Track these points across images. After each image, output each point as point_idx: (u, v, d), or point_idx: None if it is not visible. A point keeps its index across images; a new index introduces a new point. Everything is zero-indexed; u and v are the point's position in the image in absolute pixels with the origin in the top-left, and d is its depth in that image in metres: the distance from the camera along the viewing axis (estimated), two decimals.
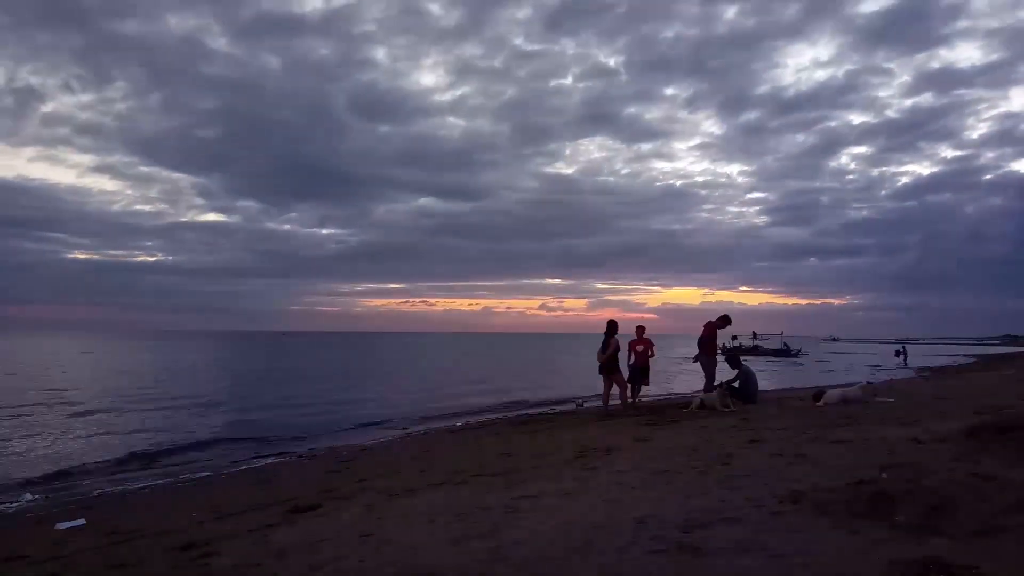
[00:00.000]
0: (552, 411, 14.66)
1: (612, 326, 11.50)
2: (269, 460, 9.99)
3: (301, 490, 6.76)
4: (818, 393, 11.05)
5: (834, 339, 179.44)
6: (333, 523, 4.76)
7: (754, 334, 58.72)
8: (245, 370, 33.15)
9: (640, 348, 11.91)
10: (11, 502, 7.55)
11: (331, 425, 13.49)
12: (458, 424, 13.38)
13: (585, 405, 15.60)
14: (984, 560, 2.68)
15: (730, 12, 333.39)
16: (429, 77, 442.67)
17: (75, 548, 5.07)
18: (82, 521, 6.23)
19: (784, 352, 53.68)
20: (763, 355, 50.51)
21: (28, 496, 7.81)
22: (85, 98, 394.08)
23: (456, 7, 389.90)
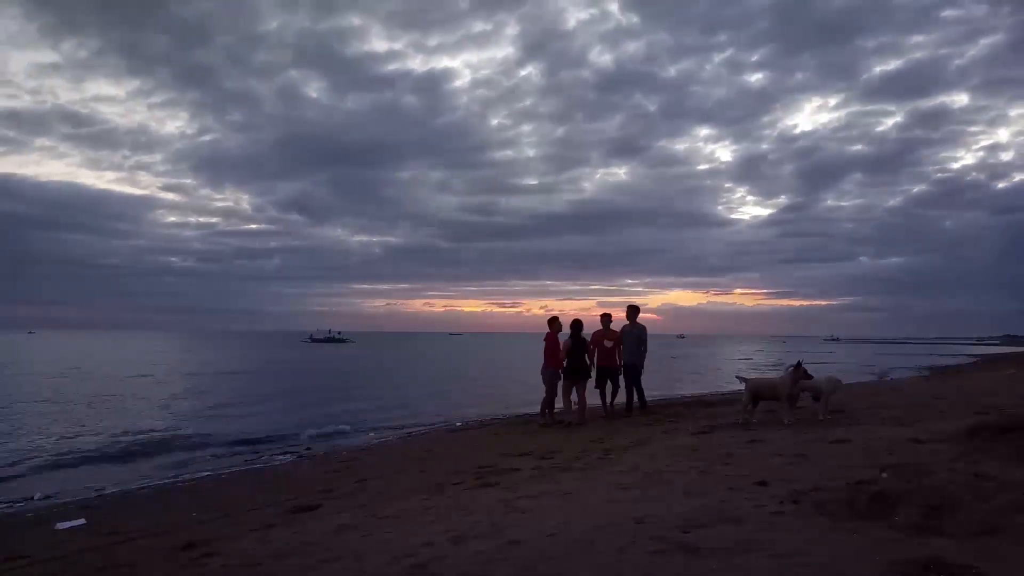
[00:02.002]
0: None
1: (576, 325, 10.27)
2: (269, 460, 9.98)
3: (301, 490, 6.76)
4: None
5: (835, 339, 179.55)
6: (333, 523, 4.76)
7: (329, 330, 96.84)
8: (250, 371, 33.13)
9: (609, 344, 10.42)
10: (11, 502, 7.55)
11: (332, 425, 13.47)
12: (458, 424, 13.38)
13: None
14: (984, 560, 2.68)
15: (754, 78, 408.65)
16: (496, 120, 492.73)
17: (75, 548, 5.07)
18: (82, 521, 6.23)
19: (332, 339, 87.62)
20: (315, 342, 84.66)
21: (28, 495, 7.81)
22: (181, 144, 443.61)
23: (537, 68, 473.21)
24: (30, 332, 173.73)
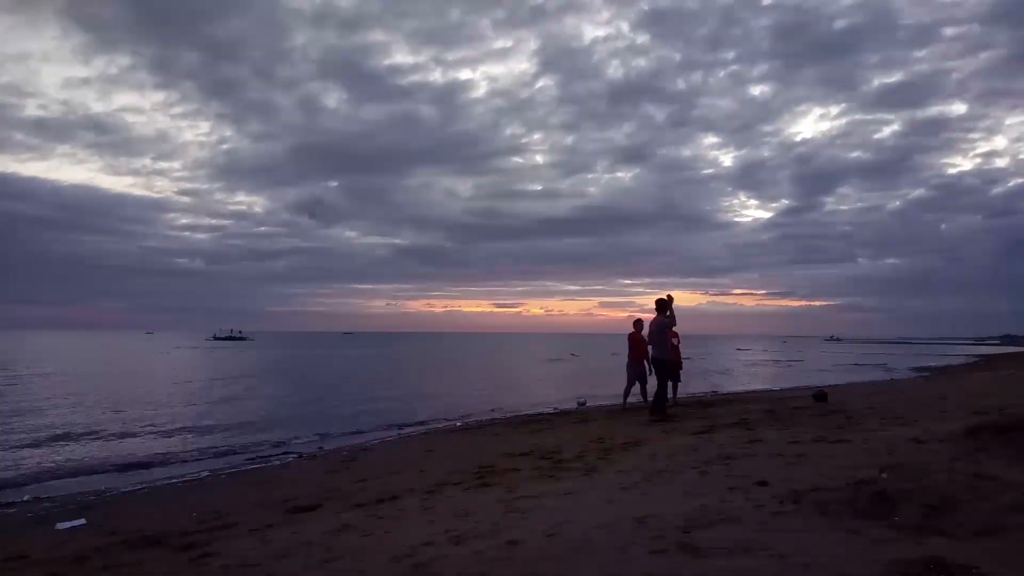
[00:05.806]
0: (553, 411, 14.66)
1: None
2: (269, 460, 9.98)
3: (301, 490, 6.76)
4: (819, 393, 11.06)
5: (836, 339, 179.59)
6: (333, 523, 4.77)
7: (231, 329, 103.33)
8: (251, 372, 33.15)
9: (675, 342, 11.76)
10: (11, 502, 7.55)
11: (332, 425, 13.48)
12: (458, 424, 13.38)
13: (587, 404, 15.60)
14: (984, 560, 2.68)
15: (758, 90, 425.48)
16: (509, 130, 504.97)
17: (75, 548, 5.07)
18: (82, 521, 6.23)
19: (232, 338, 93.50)
20: (218, 340, 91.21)
21: (28, 496, 7.81)
22: (202, 154, 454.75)
23: (552, 81, 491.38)
24: (148, 332, 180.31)
